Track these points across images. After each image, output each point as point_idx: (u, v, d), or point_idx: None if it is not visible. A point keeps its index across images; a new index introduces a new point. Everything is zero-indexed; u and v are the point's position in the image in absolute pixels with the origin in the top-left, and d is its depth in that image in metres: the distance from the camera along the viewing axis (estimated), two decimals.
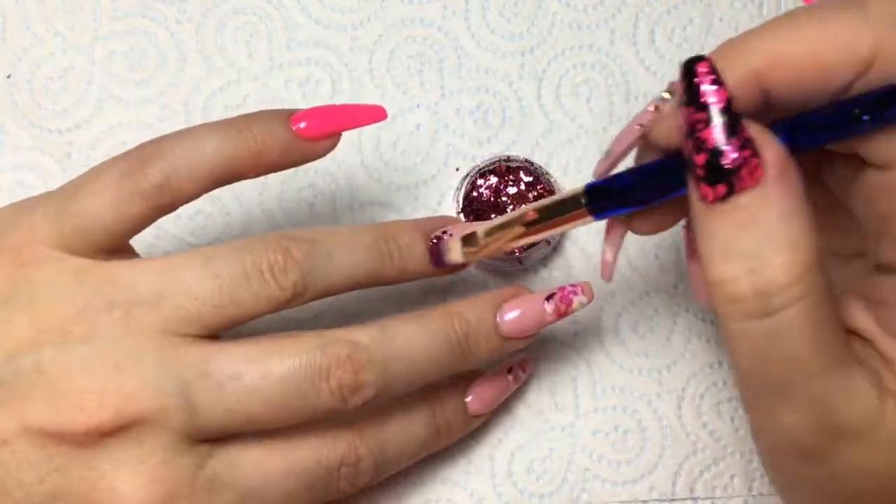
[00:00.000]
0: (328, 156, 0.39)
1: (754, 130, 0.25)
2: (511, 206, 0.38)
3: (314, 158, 0.32)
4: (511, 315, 0.33)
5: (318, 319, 0.38)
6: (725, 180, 0.24)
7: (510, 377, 0.36)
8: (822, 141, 0.27)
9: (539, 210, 0.31)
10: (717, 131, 0.24)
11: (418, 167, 0.40)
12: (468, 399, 0.35)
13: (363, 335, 0.30)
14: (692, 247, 0.30)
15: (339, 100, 0.40)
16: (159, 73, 0.41)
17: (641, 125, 0.29)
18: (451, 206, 0.39)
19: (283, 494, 0.30)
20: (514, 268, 0.39)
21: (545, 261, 0.39)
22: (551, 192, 0.38)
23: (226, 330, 0.30)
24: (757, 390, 0.26)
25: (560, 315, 0.33)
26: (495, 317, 0.32)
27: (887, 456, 0.26)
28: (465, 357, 0.32)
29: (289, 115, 0.32)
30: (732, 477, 0.37)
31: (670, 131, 0.27)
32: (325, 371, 0.29)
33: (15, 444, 0.28)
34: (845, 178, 0.28)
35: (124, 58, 0.41)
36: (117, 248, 0.31)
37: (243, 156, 0.31)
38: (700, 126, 0.24)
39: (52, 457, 0.28)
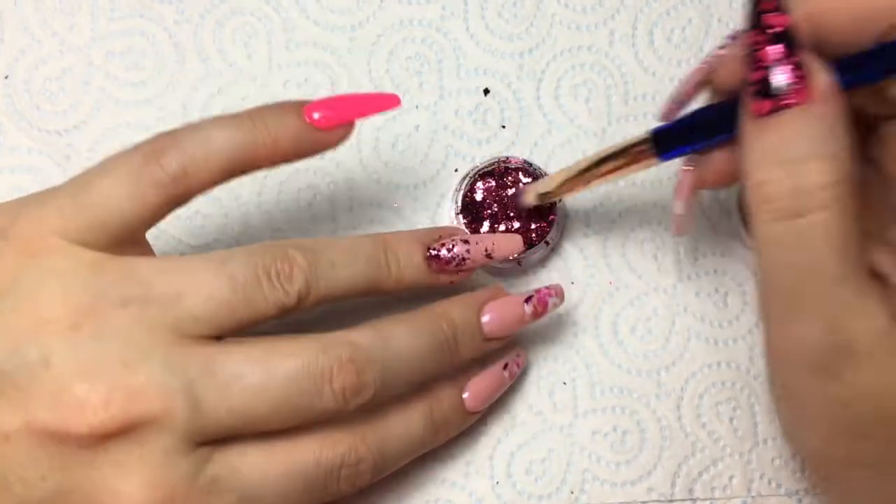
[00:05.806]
0: (327, 156, 0.39)
1: (808, 58, 0.27)
2: (512, 213, 0.38)
3: (327, 148, 0.33)
4: (493, 316, 0.34)
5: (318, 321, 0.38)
6: (775, 96, 0.27)
7: (505, 373, 0.36)
8: (863, 79, 0.29)
9: (606, 158, 0.34)
10: (773, 51, 0.27)
11: (417, 168, 0.40)
12: (465, 396, 0.35)
13: (360, 337, 0.31)
14: (682, 186, 0.33)
15: None
16: (158, 74, 0.41)
17: (708, 63, 0.31)
18: (449, 207, 0.39)
19: (282, 496, 0.30)
20: (513, 269, 0.39)
21: (544, 262, 0.39)
22: None
23: (233, 333, 0.30)
24: (775, 298, 0.28)
25: (537, 315, 0.35)
26: (479, 317, 0.34)
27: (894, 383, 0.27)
28: (453, 356, 0.33)
29: (301, 106, 0.32)
30: (731, 477, 0.37)
31: (734, 70, 0.30)
32: (328, 372, 0.30)
33: (16, 441, 0.28)
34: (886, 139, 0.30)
35: (122, 59, 0.41)
36: (131, 241, 0.31)
37: (258, 147, 0.31)
38: (758, 46, 0.27)
39: (54, 455, 0.28)
